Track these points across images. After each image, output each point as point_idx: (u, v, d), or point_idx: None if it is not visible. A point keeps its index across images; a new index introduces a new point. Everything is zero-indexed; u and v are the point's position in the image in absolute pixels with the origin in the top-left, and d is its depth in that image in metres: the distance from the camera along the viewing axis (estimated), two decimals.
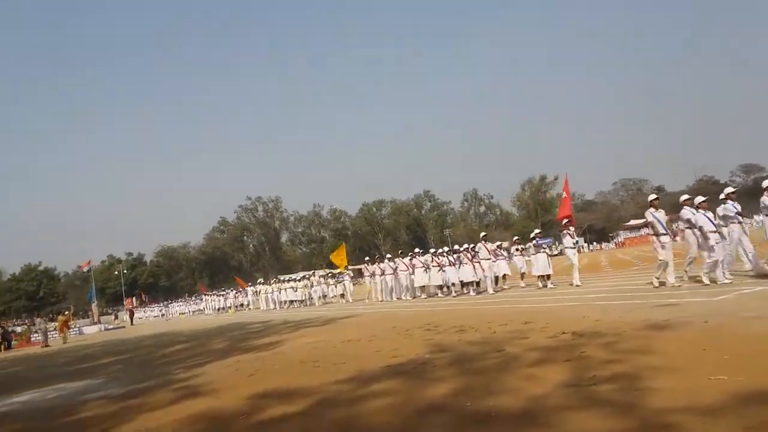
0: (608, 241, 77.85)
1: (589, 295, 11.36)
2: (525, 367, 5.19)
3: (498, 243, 18.49)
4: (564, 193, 17.27)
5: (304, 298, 27.85)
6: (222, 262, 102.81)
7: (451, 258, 17.41)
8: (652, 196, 11.35)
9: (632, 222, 68.79)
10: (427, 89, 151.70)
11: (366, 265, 22.68)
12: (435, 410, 4.17)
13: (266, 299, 30.76)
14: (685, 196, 11.00)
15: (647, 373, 4.25)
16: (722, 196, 10.73)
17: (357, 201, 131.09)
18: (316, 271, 33.43)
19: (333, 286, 27.50)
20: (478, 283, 17.04)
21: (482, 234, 17.17)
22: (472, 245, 17.37)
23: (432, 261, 18.14)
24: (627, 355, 5.01)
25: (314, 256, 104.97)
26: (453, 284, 17.54)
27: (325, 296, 27.61)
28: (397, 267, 19.98)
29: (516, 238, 19.59)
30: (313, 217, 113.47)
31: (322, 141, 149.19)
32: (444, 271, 17.49)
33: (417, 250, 20.48)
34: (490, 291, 15.95)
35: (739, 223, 10.20)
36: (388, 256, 22.23)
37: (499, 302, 12.63)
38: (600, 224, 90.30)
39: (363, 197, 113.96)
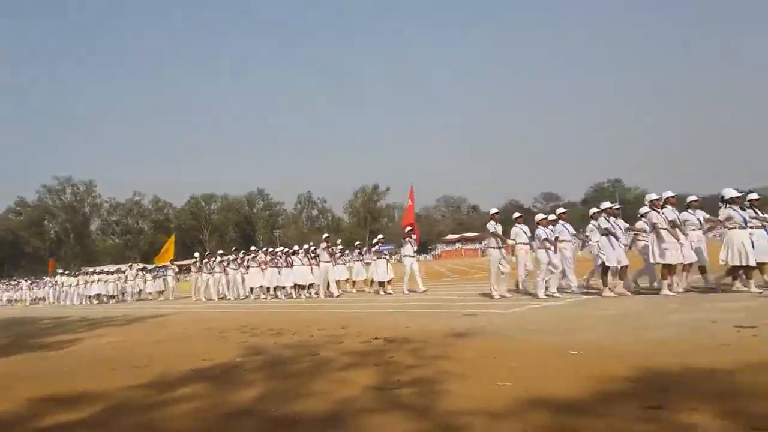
0: (427, 253, 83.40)
1: (408, 303, 11.96)
2: (336, 371, 5.27)
3: (357, 243, 18.70)
4: (409, 201, 17.83)
5: (115, 293, 25.44)
6: (13, 247, 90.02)
7: (288, 259, 16.78)
8: (517, 214, 11.99)
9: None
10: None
11: (197, 260, 21.37)
12: (240, 415, 4.03)
13: (68, 293, 27.50)
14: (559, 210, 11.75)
15: (444, 378, 4.56)
16: (593, 211, 11.02)
17: (186, 194, 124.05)
18: (134, 264, 30.58)
19: (151, 282, 25.42)
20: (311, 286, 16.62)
21: (324, 236, 16.64)
22: (313, 246, 16.87)
23: (266, 260, 17.48)
24: (429, 361, 5.33)
25: (129, 248, 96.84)
26: (284, 287, 16.96)
27: (140, 292, 25.49)
28: (228, 264, 19.17)
29: (357, 243, 19.16)
30: (132, 206, 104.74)
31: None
32: (279, 272, 16.89)
33: (253, 248, 19.76)
34: (321, 296, 15.74)
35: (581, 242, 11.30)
36: (220, 252, 21.33)
37: (325, 307, 12.72)
38: (423, 237, 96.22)
39: (192, 191, 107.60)
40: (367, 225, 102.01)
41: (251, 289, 18.27)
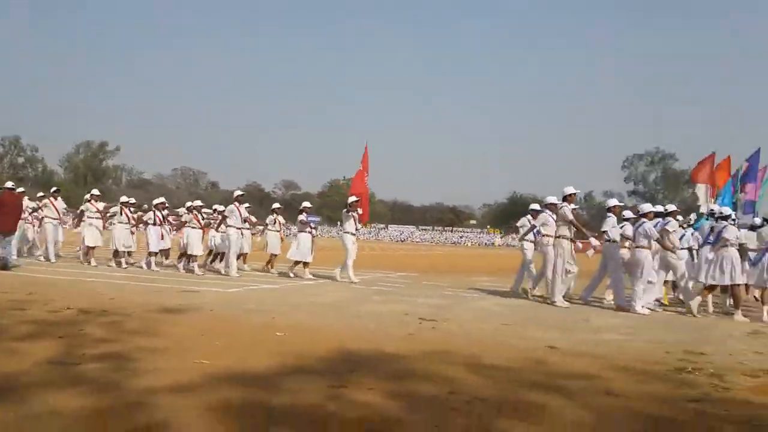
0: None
1: (115, 274, 10.89)
2: (9, 341, 4.50)
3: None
4: (360, 166, 13.01)
5: None
6: None
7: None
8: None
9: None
10: None
11: None
12: None
13: None
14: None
15: (142, 355, 4.24)
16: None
17: None
18: None
19: None
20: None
21: (238, 193, 11.94)
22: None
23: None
24: (127, 336, 4.92)
25: None
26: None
27: None
28: None
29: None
30: None
31: None
32: None
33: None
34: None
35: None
36: None
37: (31, 271, 10.62)
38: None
39: None
40: (87, 183, 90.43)
41: None
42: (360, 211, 11.54)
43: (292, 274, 11.51)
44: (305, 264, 11.51)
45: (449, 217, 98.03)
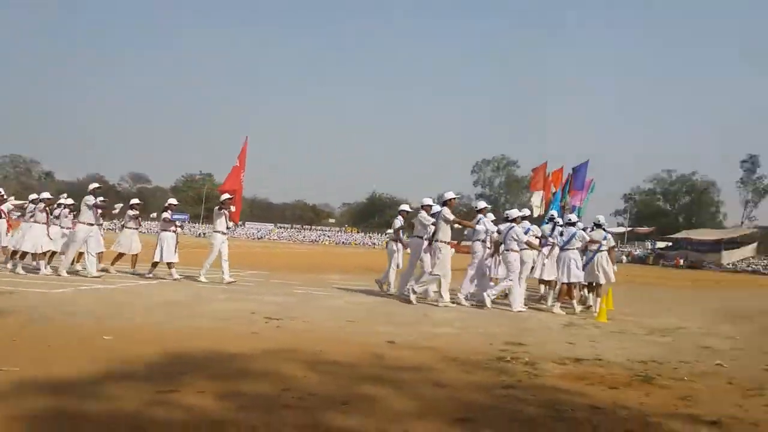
0: None
1: None
2: None
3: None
4: (237, 161, 12.03)
5: None
6: None
7: None
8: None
9: None
10: None
11: None
12: None
13: None
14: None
15: None
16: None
17: None
18: None
19: None
20: None
21: (94, 186, 10.65)
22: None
23: None
24: None
25: None
26: None
27: None
28: None
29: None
30: None
31: None
32: None
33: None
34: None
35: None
36: None
37: None
38: None
39: None
40: None
41: None
42: (233, 208, 11.11)
43: (151, 275, 10.70)
44: (170, 264, 10.85)
45: (309, 215, 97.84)
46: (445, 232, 9.05)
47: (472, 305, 9.24)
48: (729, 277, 40.29)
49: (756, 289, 24.46)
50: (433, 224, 9.27)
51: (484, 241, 9.75)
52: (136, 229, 11.92)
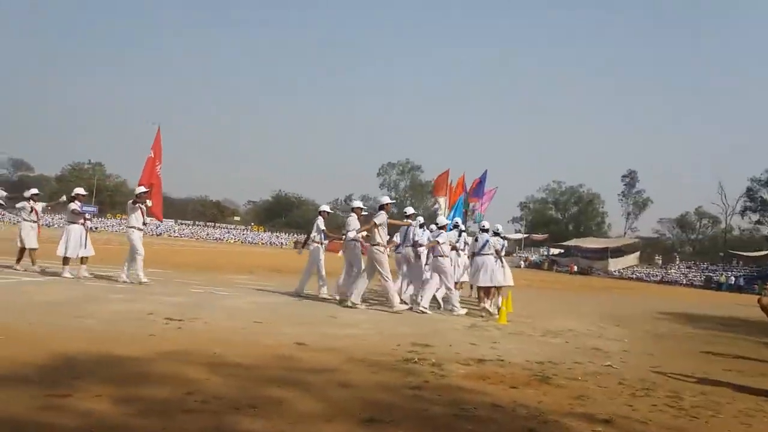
0: None
1: None
2: None
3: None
4: (151, 152, 11.12)
5: None
6: None
7: None
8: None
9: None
10: None
11: None
12: None
13: None
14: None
15: None
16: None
17: None
18: None
19: None
20: None
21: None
22: None
23: None
24: None
25: None
26: None
27: None
28: None
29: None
30: None
31: None
32: None
33: None
34: None
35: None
36: None
37: None
38: None
39: None
40: None
41: None
42: (149, 203, 10.46)
43: (69, 273, 9.81)
44: (82, 260, 10.05)
45: (212, 212, 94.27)
46: (382, 236, 9.19)
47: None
48: (617, 283, 43.56)
49: (642, 294, 26.62)
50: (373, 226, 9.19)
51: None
52: (36, 222, 10.97)
